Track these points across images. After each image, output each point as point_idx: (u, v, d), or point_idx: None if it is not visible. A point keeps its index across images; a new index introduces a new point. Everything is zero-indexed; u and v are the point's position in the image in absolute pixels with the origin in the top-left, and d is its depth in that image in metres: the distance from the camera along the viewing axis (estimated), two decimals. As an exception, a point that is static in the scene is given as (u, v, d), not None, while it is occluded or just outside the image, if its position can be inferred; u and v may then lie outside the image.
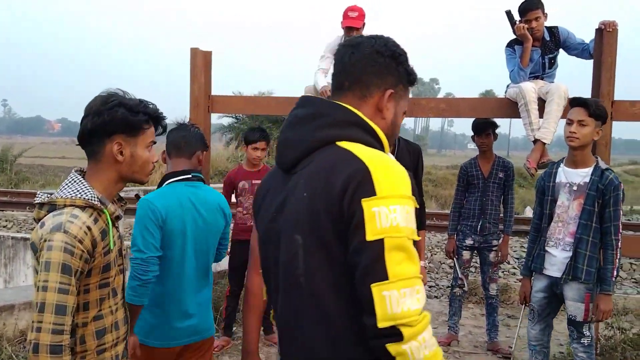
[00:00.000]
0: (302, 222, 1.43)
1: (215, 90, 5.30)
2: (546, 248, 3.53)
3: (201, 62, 5.15)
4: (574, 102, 3.49)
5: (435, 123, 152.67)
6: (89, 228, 1.72)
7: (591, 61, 4.44)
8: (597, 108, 3.33)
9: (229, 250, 5.05)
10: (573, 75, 5.33)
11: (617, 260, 3.33)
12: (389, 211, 1.32)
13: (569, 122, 3.41)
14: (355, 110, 1.53)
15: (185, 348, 2.73)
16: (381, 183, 1.34)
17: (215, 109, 5.34)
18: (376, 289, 1.29)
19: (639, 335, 4.46)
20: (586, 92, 4.37)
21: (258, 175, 5.00)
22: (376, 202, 1.32)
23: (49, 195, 1.78)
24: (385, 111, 1.59)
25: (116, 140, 1.81)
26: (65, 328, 1.64)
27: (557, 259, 3.47)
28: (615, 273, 3.33)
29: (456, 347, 5.09)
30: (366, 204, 1.33)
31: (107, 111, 1.78)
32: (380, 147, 1.52)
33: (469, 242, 5.01)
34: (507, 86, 4.81)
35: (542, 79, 4.70)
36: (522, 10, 4.57)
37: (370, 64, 1.57)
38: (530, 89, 4.44)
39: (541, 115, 4.45)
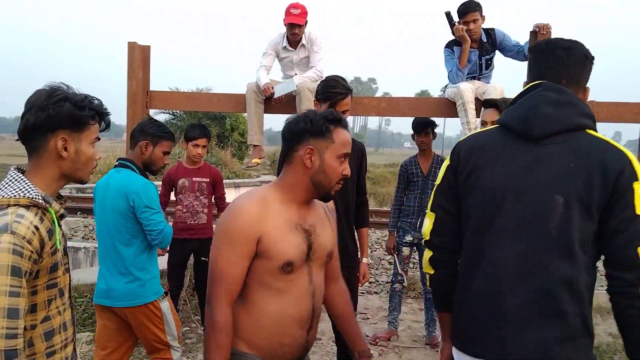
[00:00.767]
0: (568, 187, 1.74)
1: (152, 86, 5.17)
2: None
3: (139, 57, 5.00)
4: (486, 104, 3.62)
5: (373, 122, 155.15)
6: (36, 228, 1.65)
7: (526, 63, 4.59)
8: (507, 107, 3.46)
9: (168, 248, 4.95)
10: (508, 77, 5.49)
11: None
12: None
13: (483, 123, 3.55)
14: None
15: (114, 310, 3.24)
16: (638, 170, 1.73)
17: (153, 105, 5.21)
18: None
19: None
20: (520, 93, 4.52)
21: (198, 172, 4.92)
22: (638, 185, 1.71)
23: None
24: None
25: (61, 136, 1.74)
26: (19, 332, 1.58)
27: None
28: None
29: (396, 342, 5.17)
30: (636, 185, 1.70)
31: (52, 105, 1.71)
32: None
33: (408, 238, 5.09)
34: (445, 86, 4.92)
35: (479, 79, 4.84)
36: (461, 12, 4.68)
37: (582, 66, 1.92)
38: (468, 89, 4.56)
39: (478, 115, 4.58)
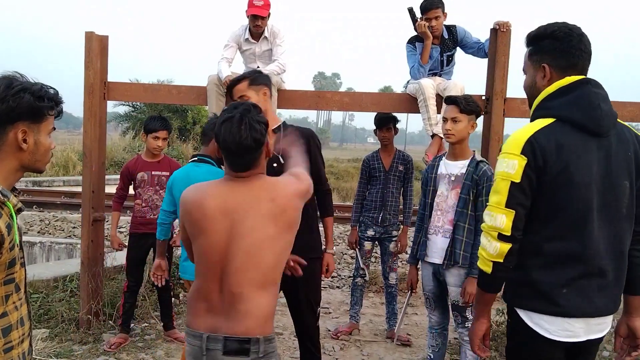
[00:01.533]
0: (630, 172, 2.10)
1: (110, 77, 5.05)
2: (428, 236, 3.68)
3: (97, 47, 4.88)
4: (447, 101, 3.65)
5: (336, 117, 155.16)
6: None
7: (486, 60, 4.65)
8: (467, 104, 3.52)
9: (126, 243, 4.86)
10: (469, 73, 5.56)
11: None
12: None
13: (444, 120, 3.58)
14: None
15: None
16: None
17: (111, 97, 5.09)
18: None
19: (526, 319, 4.73)
20: (481, 89, 4.59)
21: (158, 166, 4.83)
22: None
23: None
24: None
25: (20, 128, 1.70)
26: None
27: (437, 245, 3.61)
28: None
29: (357, 336, 5.20)
30: None
31: (11, 97, 1.66)
32: None
33: (370, 233, 5.11)
34: (407, 82, 4.94)
35: (440, 75, 4.88)
36: (424, 8, 4.70)
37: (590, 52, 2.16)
38: (430, 85, 4.60)
39: (439, 111, 4.62)
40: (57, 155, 16.19)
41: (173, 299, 5.26)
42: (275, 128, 3.27)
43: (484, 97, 4.52)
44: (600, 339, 2.19)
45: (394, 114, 5.12)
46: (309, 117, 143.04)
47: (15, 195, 1.79)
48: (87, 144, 4.94)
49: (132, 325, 4.91)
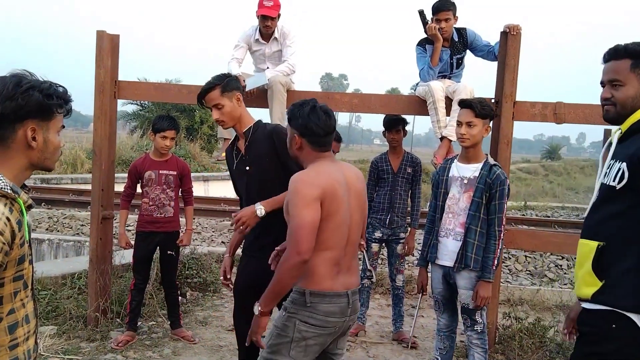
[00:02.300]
0: None
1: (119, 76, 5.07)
2: (439, 238, 3.68)
3: (108, 46, 4.91)
4: (462, 105, 3.63)
5: (343, 118, 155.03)
6: (7, 219, 1.61)
7: (495, 63, 4.64)
8: (482, 108, 3.50)
9: (133, 242, 4.87)
10: (478, 76, 5.55)
11: (498, 250, 3.52)
12: None
13: (459, 124, 3.56)
14: None
15: None
16: None
17: (122, 95, 5.12)
18: None
19: (534, 324, 4.72)
20: (490, 93, 4.58)
21: (166, 165, 4.84)
22: None
23: None
24: None
25: (30, 126, 1.71)
26: None
27: (448, 248, 3.62)
28: (495, 262, 3.51)
29: (363, 337, 5.19)
30: None
31: (21, 95, 1.67)
32: None
33: (377, 234, 5.11)
34: (416, 84, 4.94)
35: (449, 78, 4.88)
36: (435, 9, 4.70)
37: None
38: (439, 88, 4.59)
39: (448, 114, 4.62)
40: (66, 153, 16.24)
41: (180, 297, 5.27)
42: (246, 131, 3.21)
43: (493, 100, 4.51)
44: None
45: (403, 116, 5.12)
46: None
47: (25, 192, 1.81)
48: (97, 142, 4.97)
49: (139, 323, 4.92)
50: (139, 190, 4.92)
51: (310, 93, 4.95)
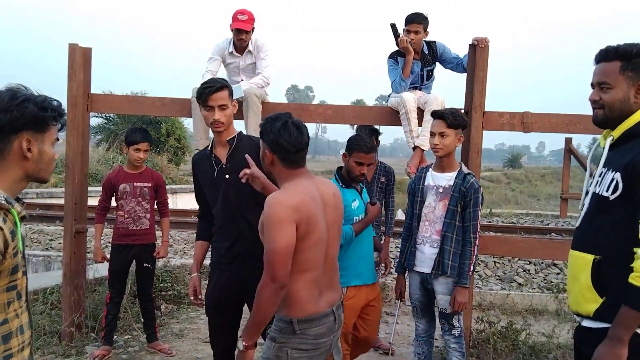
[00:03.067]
0: None
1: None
2: (416, 245, 3.78)
3: (80, 59, 4.89)
4: (434, 115, 3.74)
5: (309, 129, 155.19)
6: (1, 229, 1.64)
7: (464, 75, 4.78)
8: (454, 119, 3.62)
9: (109, 256, 4.83)
10: (448, 88, 5.70)
11: (474, 257, 3.63)
12: None
13: (432, 135, 3.67)
14: None
15: None
16: None
17: (94, 108, 5.10)
18: None
19: (506, 327, 4.85)
20: (460, 103, 4.71)
21: (140, 177, 4.83)
22: None
23: None
24: None
25: (25, 137, 1.75)
26: None
27: (425, 255, 3.72)
28: (472, 268, 3.63)
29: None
30: None
31: (16, 107, 1.72)
32: None
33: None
34: (389, 96, 5.05)
35: (420, 90, 5.00)
36: (407, 20, 4.83)
37: None
38: (411, 99, 4.71)
39: (420, 124, 4.74)
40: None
41: (154, 310, 5.24)
42: (230, 139, 3.24)
43: (463, 111, 4.64)
44: None
45: (376, 127, 5.22)
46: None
47: (19, 204, 1.83)
48: (69, 156, 4.93)
49: (114, 337, 4.88)
50: (113, 203, 4.90)
51: (284, 105, 5.01)
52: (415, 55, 4.87)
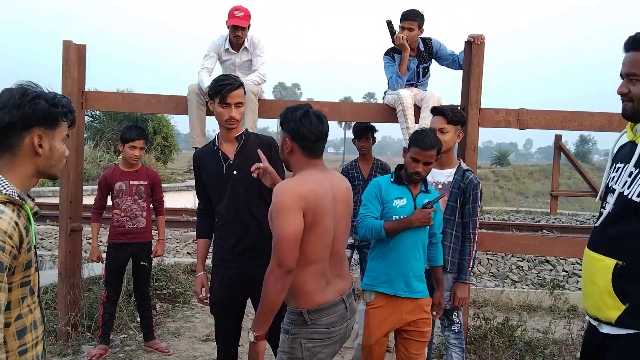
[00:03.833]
0: None
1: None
2: None
3: (75, 56, 4.85)
4: (433, 112, 3.75)
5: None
6: (16, 223, 1.67)
7: (460, 71, 4.79)
8: (454, 115, 3.63)
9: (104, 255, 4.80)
10: (444, 84, 5.72)
11: (473, 252, 3.65)
12: None
13: (432, 130, 3.67)
14: None
15: None
16: None
17: (89, 106, 5.06)
18: None
19: (502, 324, 4.88)
20: (456, 100, 4.73)
21: (136, 175, 4.80)
22: None
23: None
24: None
25: (36, 133, 1.78)
26: (0, 326, 1.59)
27: None
28: (471, 264, 3.64)
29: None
30: None
31: (27, 103, 1.75)
32: None
33: (349, 240, 5.18)
34: (385, 92, 5.05)
35: (416, 86, 5.01)
36: (403, 16, 4.83)
37: None
38: (408, 95, 4.72)
39: (417, 121, 4.74)
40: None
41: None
42: (238, 136, 3.28)
43: (459, 108, 4.66)
44: None
45: (372, 124, 5.22)
46: (270, 127, 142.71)
47: (31, 200, 1.84)
48: (64, 153, 4.87)
49: (111, 336, 4.84)
50: (109, 202, 4.86)
51: (282, 102, 5.00)
52: (411, 52, 4.88)
